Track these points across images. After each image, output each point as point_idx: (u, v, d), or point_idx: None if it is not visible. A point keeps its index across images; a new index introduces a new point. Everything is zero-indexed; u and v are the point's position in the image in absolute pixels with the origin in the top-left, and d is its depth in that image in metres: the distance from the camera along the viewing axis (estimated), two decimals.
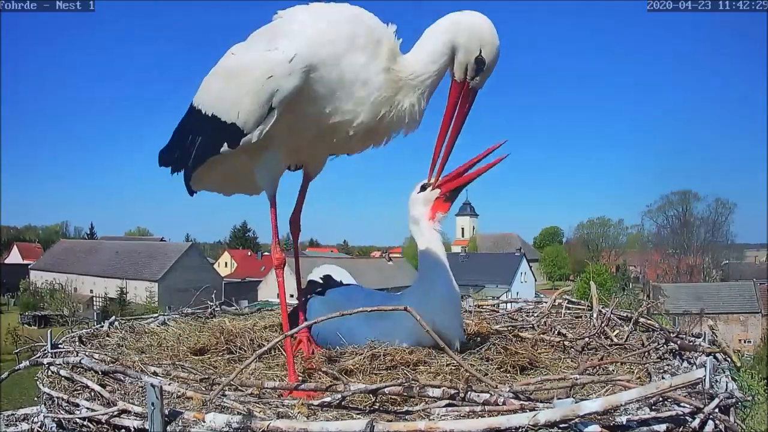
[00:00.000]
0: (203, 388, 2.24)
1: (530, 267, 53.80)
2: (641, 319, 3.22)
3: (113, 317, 3.72)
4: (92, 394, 2.24)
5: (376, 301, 3.06)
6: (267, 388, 2.16)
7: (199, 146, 2.49)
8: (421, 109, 2.33)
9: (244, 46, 2.41)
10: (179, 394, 2.14)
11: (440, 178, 2.83)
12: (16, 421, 3.06)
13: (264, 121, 2.24)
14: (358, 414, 1.95)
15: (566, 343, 2.98)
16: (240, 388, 2.18)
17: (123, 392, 2.25)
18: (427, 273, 2.92)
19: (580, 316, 3.49)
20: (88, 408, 2.13)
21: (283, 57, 2.16)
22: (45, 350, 2.85)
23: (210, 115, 2.39)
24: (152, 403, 1.80)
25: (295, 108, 2.26)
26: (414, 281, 3.09)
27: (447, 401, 1.96)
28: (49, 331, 2.95)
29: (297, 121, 2.32)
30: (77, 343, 2.99)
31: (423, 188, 2.96)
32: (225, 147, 2.34)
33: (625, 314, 3.34)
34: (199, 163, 2.52)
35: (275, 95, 2.18)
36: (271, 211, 2.55)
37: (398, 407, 2.00)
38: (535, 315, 3.60)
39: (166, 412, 1.84)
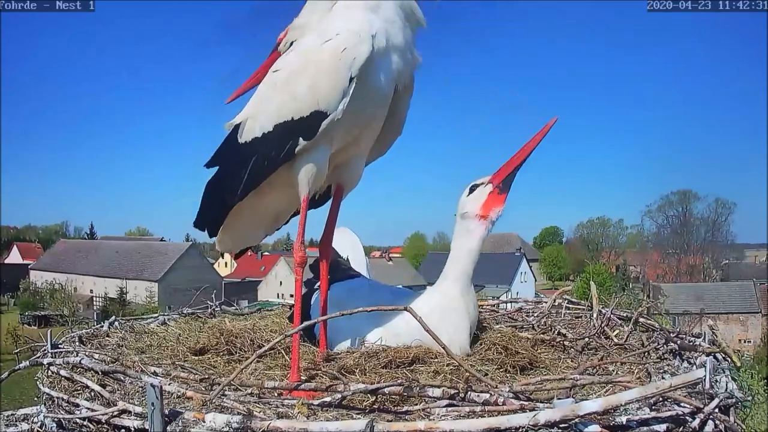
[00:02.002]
0: (203, 388, 2.24)
1: (530, 267, 53.72)
2: (641, 319, 3.22)
3: (113, 317, 3.72)
4: (92, 394, 2.25)
5: (380, 295, 3.00)
6: (267, 388, 2.16)
7: (253, 167, 2.56)
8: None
9: (285, 61, 2.58)
10: (179, 394, 2.14)
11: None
12: (16, 421, 3.06)
13: (345, 94, 2.41)
14: (358, 414, 1.96)
15: (566, 343, 2.98)
16: (240, 388, 2.18)
17: (123, 392, 2.26)
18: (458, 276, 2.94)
19: (580, 316, 3.49)
20: (88, 408, 2.14)
21: (350, 33, 2.41)
22: (45, 350, 2.86)
23: (272, 129, 2.53)
24: (152, 403, 1.80)
25: (367, 78, 2.46)
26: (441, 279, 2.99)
27: (447, 401, 1.96)
28: (49, 331, 2.95)
29: (369, 90, 2.51)
30: (77, 343, 2.99)
31: (472, 189, 2.94)
32: (301, 143, 2.48)
33: (625, 314, 3.34)
34: (252, 187, 2.60)
35: (353, 64, 2.39)
36: (302, 207, 2.61)
37: (398, 407, 2.00)
38: (535, 315, 3.59)
39: (166, 412, 1.84)
